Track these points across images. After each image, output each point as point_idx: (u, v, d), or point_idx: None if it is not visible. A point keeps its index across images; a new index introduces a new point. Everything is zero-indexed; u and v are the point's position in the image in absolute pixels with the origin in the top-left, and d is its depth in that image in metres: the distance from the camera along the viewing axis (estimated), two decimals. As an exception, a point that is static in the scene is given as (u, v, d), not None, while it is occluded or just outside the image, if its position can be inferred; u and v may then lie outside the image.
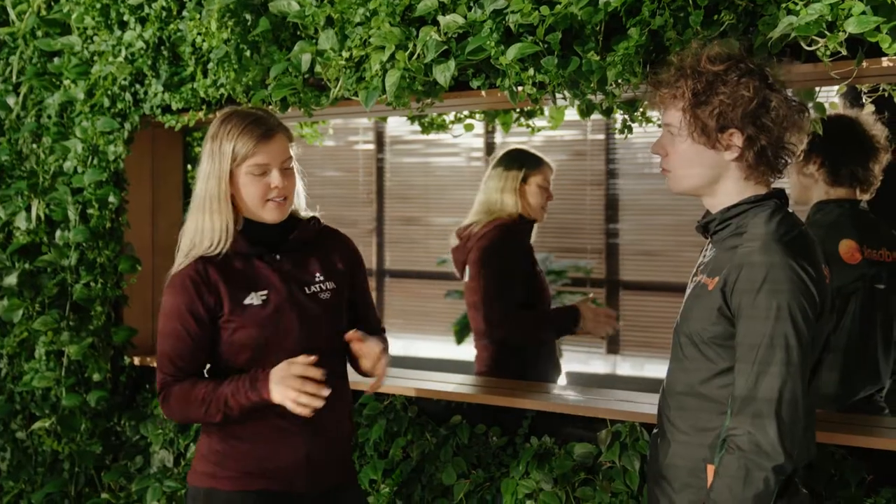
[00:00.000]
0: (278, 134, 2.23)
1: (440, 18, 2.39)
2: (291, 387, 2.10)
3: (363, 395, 3.03)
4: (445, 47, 2.39)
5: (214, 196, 2.20)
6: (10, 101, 3.48)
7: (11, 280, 3.32)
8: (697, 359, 1.87)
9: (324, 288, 2.30)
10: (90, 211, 3.25)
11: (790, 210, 1.92)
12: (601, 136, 7.28)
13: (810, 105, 2.54)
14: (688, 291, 1.97)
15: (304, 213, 2.38)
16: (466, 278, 3.29)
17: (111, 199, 3.25)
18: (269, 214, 2.24)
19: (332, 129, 8.54)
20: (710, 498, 1.76)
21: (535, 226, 3.38)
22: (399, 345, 8.33)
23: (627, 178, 7.26)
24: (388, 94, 2.46)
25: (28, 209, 3.37)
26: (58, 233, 3.33)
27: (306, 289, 2.28)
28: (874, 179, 2.74)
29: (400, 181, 8.28)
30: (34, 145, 3.45)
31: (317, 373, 2.12)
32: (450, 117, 3.48)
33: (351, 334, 2.24)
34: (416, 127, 3.46)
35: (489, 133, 7.57)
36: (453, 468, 2.77)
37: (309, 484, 2.29)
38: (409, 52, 2.44)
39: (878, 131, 2.73)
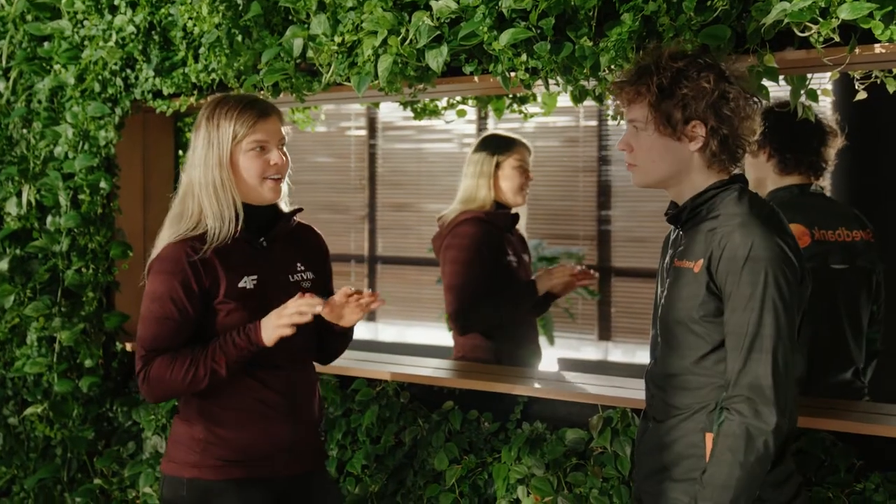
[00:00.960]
0: (274, 115, 2.27)
1: (433, 3, 2.38)
2: (289, 312, 2.10)
3: (355, 381, 3.03)
4: (438, 32, 2.38)
5: (218, 179, 2.20)
6: (0, 85, 3.46)
7: (2, 266, 3.31)
8: (690, 340, 1.93)
9: (305, 277, 2.34)
10: (81, 196, 3.24)
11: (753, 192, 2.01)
12: (593, 123, 7.28)
13: (802, 92, 2.54)
14: (667, 280, 2.02)
15: (287, 206, 2.40)
16: None
17: (102, 184, 3.24)
18: (268, 193, 2.26)
19: (325, 115, 8.54)
20: (712, 463, 1.82)
21: (523, 210, 3.36)
22: (391, 331, 8.34)
23: (620, 164, 7.24)
24: (380, 79, 2.46)
25: (19, 195, 3.36)
26: (49, 218, 3.32)
27: (290, 276, 2.32)
28: (825, 164, 2.77)
29: (392, 167, 8.26)
30: (24, 130, 3.43)
31: (309, 300, 2.11)
32: (442, 103, 3.47)
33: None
34: (409, 113, 3.45)
35: (482, 119, 7.56)
36: (445, 454, 2.78)
37: (289, 469, 2.30)
38: (401, 37, 2.43)
39: (826, 116, 2.75)
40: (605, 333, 7.50)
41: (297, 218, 2.42)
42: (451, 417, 2.85)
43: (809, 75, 2.62)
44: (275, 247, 2.32)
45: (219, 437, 2.24)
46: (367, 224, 8.38)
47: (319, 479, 2.40)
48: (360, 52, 2.51)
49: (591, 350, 7.50)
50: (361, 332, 8.33)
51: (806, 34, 2.05)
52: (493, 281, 3.16)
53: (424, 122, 3.61)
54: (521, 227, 3.41)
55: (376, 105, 3.92)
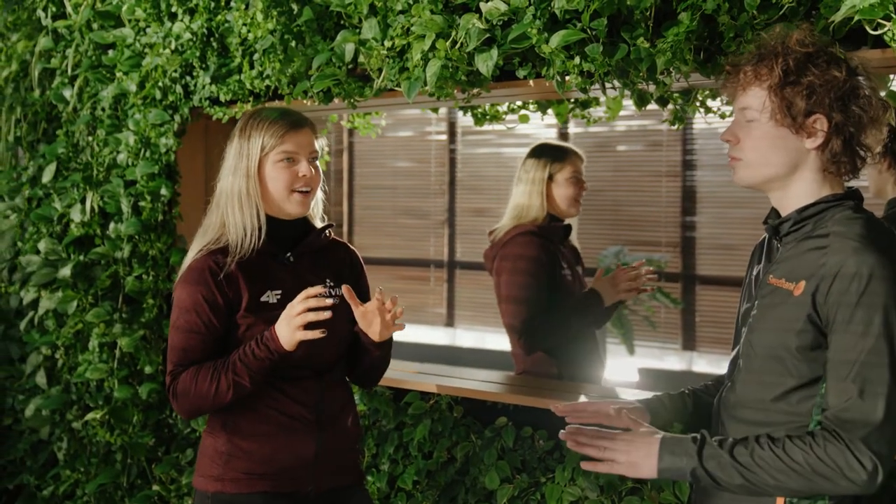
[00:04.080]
0: (306, 127, 2.24)
1: (482, 5, 2.29)
2: (296, 313, 2.05)
3: (408, 394, 2.96)
4: (487, 35, 2.29)
5: (244, 190, 2.19)
6: (67, 93, 3.50)
7: (65, 272, 3.34)
8: (776, 371, 1.72)
9: (333, 294, 2.28)
10: (142, 203, 3.25)
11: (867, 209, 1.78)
12: (676, 126, 7.07)
13: (882, 94, 2.36)
14: (756, 296, 1.82)
15: (319, 221, 2.38)
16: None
17: (163, 191, 3.24)
18: (294, 206, 2.23)
19: (405, 119, 8.50)
20: (774, 454, 1.63)
21: (575, 221, 3.24)
22: (470, 337, 8.26)
23: (705, 169, 7.04)
24: (428, 84, 2.38)
25: (83, 201, 3.39)
26: (111, 225, 3.33)
27: None
28: None
29: (471, 172, 8.20)
30: (89, 137, 3.46)
31: (315, 290, 2.07)
32: (504, 108, 3.37)
33: (346, 290, 2.16)
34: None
35: (562, 124, 7.42)
36: (496, 472, 2.67)
37: (316, 484, 2.25)
38: (450, 40, 2.35)
39: None
40: (689, 343, 7.29)
41: (334, 236, 2.40)
42: (504, 434, 2.74)
43: (892, 76, 2.45)
44: (303, 262, 2.29)
45: (241, 450, 2.20)
46: (446, 229, 8.33)
47: (354, 496, 2.33)
48: (410, 56, 2.44)
49: (674, 360, 7.30)
50: (440, 337, 8.29)
51: (879, 32, 1.89)
52: (551, 295, 3.05)
53: (504, 127, 3.52)
54: (574, 236, 3.29)
55: (434, 110, 3.83)
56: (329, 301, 2.06)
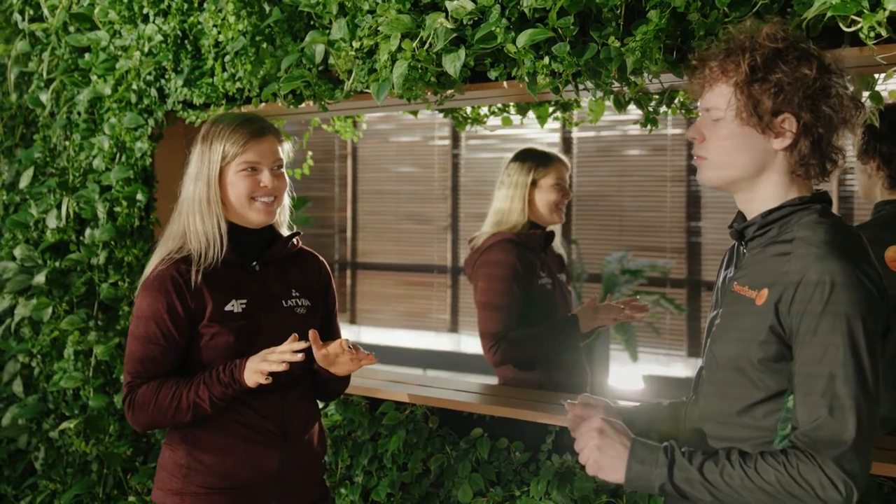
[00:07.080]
0: (269, 135, 2.18)
1: (448, 4, 2.22)
2: (267, 359, 2.00)
3: (383, 403, 2.88)
4: (455, 35, 2.22)
5: (204, 198, 2.14)
6: (43, 97, 3.45)
7: (40, 279, 3.29)
8: (740, 384, 1.64)
9: (299, 304, 2.24)
10: (117, 209, 3.19)
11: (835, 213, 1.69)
12: (682, 131, 6.99)
13: (866, 94, 2.28)
14: (723, 303, 1.74)
15: (286, 229, 2.33)
16: None
17: (139, 196, 3.18)
18: (256, 215, 2.17)
19: (409, 124, 8.42)
20: (745, 473, 1.56)
21: (558, 228, 3.16)
22: (475, 342, 8.18)
23: (710, 174, 6.94)
24: (395, 86, 2.30)
25: (59, 207, 3.33)
26: (87, 231, 3.28)
27: (283, 302, 2.22)
28: None
29: (474, 177, 8.13)
30: (66, 142, 3.41)
31: (300, 345, 2.00)
32: (485, 111, 3.28)
33: (312, 335, 2.09)
34: (494, 121, 3.28)
35: (565, 128, 7.35)
36: (469, 485, 2.60)
37: (279, 499, 2.18)
38: (418, 40, 2.28)
39: None
40: (694, 350, 7.21)
41: (302, 245, 2.35)
42: (479, 445, 2.66)
43: (876, 75, 2.36)
44: (269, 271, 2.24)
45: (201, 463, 2.14)
46: (449, 234, 8.27)
47: None
48: (378, 57, 2.37)
49: (679, 367, 7.22)
50: (443, 343, 8.22)
51: (853, 29, 1.81)
52: (527, 304, 2.97)
53: (508, 132, 3.45)
54: (557, 242, 3.20)
55: (414, 113, 3.73)
56: (299, 357, 1.98)
